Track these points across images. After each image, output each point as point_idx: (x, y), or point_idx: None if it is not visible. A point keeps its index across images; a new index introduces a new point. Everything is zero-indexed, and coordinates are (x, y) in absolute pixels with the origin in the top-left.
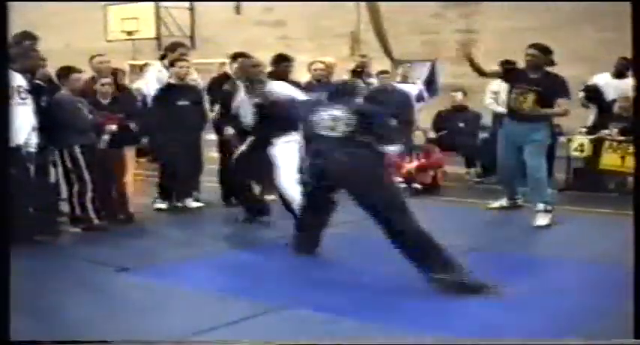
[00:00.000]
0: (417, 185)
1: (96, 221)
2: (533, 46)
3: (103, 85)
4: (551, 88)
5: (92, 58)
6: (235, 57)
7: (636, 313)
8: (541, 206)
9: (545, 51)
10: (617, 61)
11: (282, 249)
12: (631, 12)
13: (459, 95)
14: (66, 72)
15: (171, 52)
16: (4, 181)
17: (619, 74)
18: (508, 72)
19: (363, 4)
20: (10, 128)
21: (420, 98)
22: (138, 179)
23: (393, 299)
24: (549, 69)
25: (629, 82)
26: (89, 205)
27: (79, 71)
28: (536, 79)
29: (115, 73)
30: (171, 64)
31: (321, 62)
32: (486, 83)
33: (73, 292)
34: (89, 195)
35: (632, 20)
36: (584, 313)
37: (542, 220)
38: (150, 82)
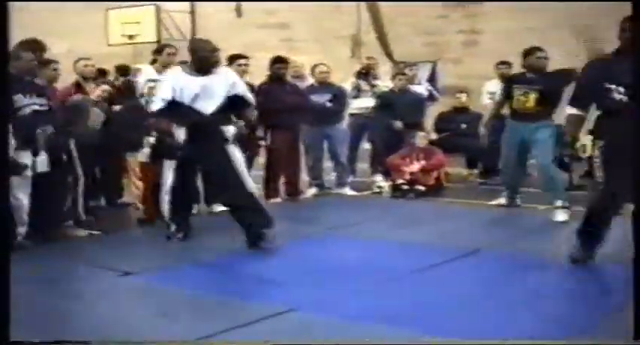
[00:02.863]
0: (420, 187)
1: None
2: (539, 49)
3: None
4: (554, 83)
5: (77, 62)
6: (232, 59)
7: (636, 313)
8: (559, 203)
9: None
10: None
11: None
12: (631, 12)
13: (463, 96)
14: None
15: (159, 55)
16: (4, 181)
17: None
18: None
19: (364, 6)
20: (9, 129)
21: (431, 98)
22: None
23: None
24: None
25: None
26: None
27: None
28: (536, 79)
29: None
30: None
31: (324, 65)
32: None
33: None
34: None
35: (633, 20)
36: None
37: (561, 216)
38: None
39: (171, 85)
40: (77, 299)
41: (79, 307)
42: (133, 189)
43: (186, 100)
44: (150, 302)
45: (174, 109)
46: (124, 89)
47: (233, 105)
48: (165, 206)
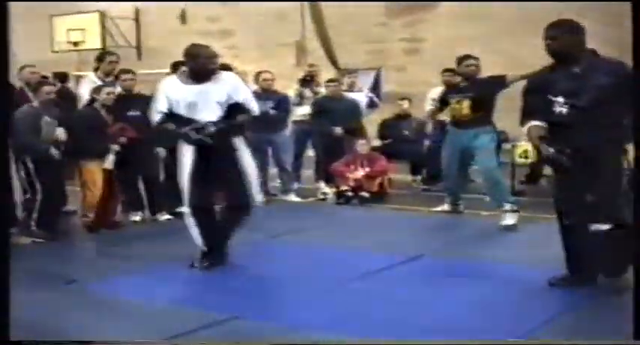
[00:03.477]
0: (364, 193)
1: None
2: (470, 57)
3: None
4: (485, 89)
5: (21, 69)
6: (176, 66)
7: (636, 313)
8: (507, 206)
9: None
10: None
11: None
12: (631, 12)
13: (405, 103)
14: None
15: (101, 63)
16: (4, 182)
17: None
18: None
19: (308, 13)
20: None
21: (371, 104)
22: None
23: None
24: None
25: None
26: (34, 215)
27: (52, 83)
28: (467, 87)
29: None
30: (116, 77)
31: (268, 72)
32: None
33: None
34: (37, 205)
35: (633, 20)
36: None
37: (510, 219)
38: (85, 95)
39: (165, 95)
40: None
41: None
42: (88, 196)
43: (183, 110)
44: (93, 309)
45: (175, 120)
46: (62, 96)
47: (233, 114)
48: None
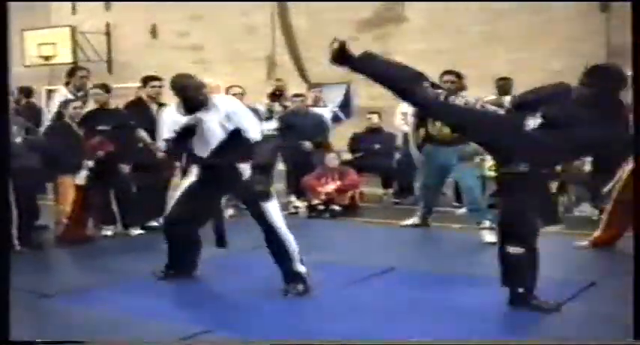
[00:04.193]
0: (335, 207)
1: (18, 248)
2: (449, 72)
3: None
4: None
5: None
6: (146, 80)
7: (636, 313)
8: (487, 223)
9: (459, 76)
10: (496, 81)
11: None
12: (631, 12)
13: (374, 117)
14: None
15: (72, 77)
16: (4, 182)
17: (504, 93)
18: None
19: (278, 27)
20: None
21: (336, 119)
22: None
23: None
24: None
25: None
26: (14, 231)
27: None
28: None
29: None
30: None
31: (238, 86)
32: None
33: None
34: (14, 221)
35: (632, 20)
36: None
37: (489, 237)
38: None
39: (167, 125)
40: None
41: None
42: (62, 211)
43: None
44: (68, 324)
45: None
46: (26, 111)
47: (234, 143)
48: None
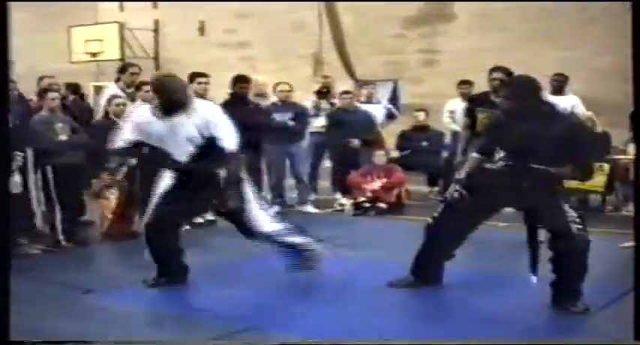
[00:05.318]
0: (381, 204)
1: (63, 243)
2: (498, 69)
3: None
4: None
5: (40, 79)
6: (193, 77)
7: (636, 313)
8: None
9: (509, 74)
10: (551, 78)
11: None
12: (631, 12)
13: (421, 115)
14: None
15: (123, 74)
16: (5, 182)
17: (556, 92)
18: (473, 97)
19: (326, 25)
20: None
21: (390, 116)
22: None
23: None
24: None
25: (569, 100)
26: (58, 226)
27: (56, 90)
28: (496, 102)
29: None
30: (137, 88)
31: (286, 83)
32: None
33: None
34: (58, 216)
35: (632, 20)
36: None
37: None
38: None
39: (134, 125)
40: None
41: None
42: (105, 206)
43: (156, 143)
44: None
45: (152, 151)
46: (74, 107)
47: (209, 150)
48: None
